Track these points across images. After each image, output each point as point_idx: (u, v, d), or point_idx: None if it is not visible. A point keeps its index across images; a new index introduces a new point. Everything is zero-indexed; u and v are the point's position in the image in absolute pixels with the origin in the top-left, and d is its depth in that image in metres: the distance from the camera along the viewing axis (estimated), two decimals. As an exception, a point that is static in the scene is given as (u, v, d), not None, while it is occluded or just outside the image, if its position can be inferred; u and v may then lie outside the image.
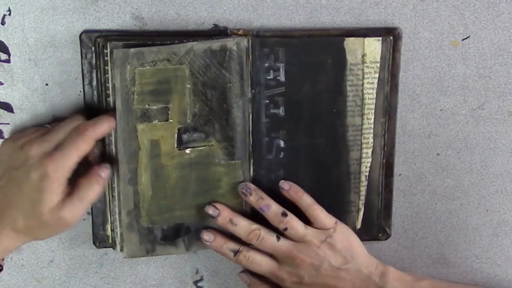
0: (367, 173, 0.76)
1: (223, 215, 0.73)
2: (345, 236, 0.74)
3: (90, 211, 0.75)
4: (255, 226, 0.73)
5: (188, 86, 0.71)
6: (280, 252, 0.72)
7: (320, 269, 0.72)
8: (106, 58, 0.69)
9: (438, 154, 0.79)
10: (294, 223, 0.72)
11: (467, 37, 0.74)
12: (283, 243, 0.72)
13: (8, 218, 0.67)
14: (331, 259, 0.72)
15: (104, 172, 0.69)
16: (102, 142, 0.71)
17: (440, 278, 0.82)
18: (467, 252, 0.82)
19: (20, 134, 0.70)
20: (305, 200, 0.73)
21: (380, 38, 0.72)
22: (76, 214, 0.67)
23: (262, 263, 0.73)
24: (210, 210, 0.73)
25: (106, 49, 0.69)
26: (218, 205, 0.73)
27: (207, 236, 0.74)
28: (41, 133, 0.69)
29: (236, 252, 0.73)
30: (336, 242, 0.72)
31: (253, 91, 0.72)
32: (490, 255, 0.77)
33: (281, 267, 0.73)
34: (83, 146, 0.67)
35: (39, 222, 0.66)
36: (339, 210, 0.77)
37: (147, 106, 0.70)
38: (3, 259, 0.75)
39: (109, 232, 0.75)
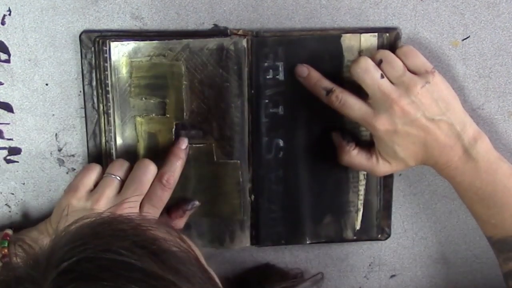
0: (366, 173, 0.76)
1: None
2: (442, 86, 0.69)
3: (90, 211, 0.75)
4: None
5: (185, 83, 0.71)
6: (379, 93, 0.67)
7: (415, 118, 0.67)
8: (105, 55, 0.69)
9: (438, 154, 0.78)
10: (393, 58, 0.69)
11: (467, 37, 0.74)
12: (385, 82, 0.67)
13: None
14: (427, 109, 0.68)
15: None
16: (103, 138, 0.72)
17: (440, 278, 0.83)
18: (467, 252, 0.82)
19: (95, 195, 0.68)
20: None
21: (376, 34, 0.72)
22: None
23: (355, 106, 0.69)
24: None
25: (106, 46, 0.69)
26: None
27: (301, 70, 0.71)
28: (112, 190, 0.68)
29: (328, 92, 0.69)
30: (433, 89, 0.68)
31: (252, 91, 0.72)
32: (490, 255, 0.76)
33: (376, 113, 0.68)
34: (168, 196, 0.70)
35: None
36: (338, 210, 0.77)
37: (144, 99, 0.71)
38: None
39: (109, 232, 0.75)
